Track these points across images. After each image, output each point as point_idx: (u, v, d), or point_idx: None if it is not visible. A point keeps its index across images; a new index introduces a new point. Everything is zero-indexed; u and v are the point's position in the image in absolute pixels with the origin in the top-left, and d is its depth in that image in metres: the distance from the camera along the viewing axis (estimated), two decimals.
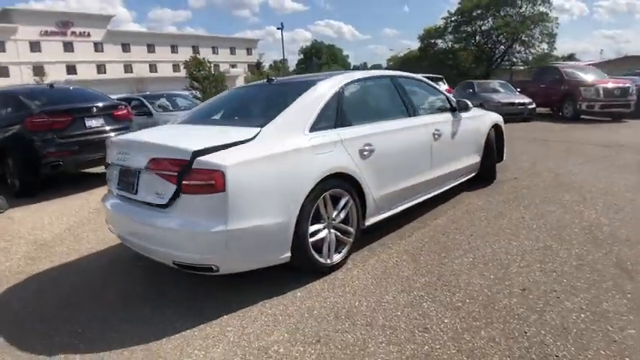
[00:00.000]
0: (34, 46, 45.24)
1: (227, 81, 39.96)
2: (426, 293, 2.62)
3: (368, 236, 3.48)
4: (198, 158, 2.44)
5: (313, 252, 2.83)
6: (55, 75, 42.60)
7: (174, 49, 58.33)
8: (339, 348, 2.15)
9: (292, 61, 79.93)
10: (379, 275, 2.91)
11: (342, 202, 3.02)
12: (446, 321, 2.31)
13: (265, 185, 2.57)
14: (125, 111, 6.73)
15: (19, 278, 3.27)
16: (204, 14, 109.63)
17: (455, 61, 45.67)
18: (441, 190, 4.24)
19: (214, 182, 2.40)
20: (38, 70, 43.18)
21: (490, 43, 45.09)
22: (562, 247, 3.15)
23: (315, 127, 2.94)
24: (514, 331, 2.17)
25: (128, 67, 53.39)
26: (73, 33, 48.74)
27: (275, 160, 2.63)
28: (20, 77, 40.79)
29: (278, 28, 45.02)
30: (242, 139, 2.63)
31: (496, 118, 5.27)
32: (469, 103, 4.57)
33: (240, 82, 51.51)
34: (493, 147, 4.98)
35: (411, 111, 3.86)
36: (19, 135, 5.76)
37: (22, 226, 4.59)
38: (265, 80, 3.75)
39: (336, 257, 3.02)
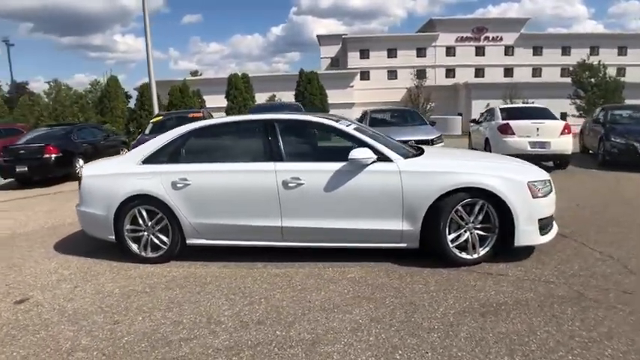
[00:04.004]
0: (449, 51, 52.58)
1: (630, 89, 31.46)
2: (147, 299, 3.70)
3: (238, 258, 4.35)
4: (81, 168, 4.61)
5: (131, 243, 4.39)
6: (463, 77, 47.98)
7: (593, 50, 49.73)
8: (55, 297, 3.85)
9: None
10: (155, 275, 4.08)
11: (157, 217, 4.33)
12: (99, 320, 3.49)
13: (98, 190, 4.45)
14: None
15: None
16: None
17: None
18: (327, 245, 4.18)
19: (79, 183, 4.50)
20: (449, 72, 50.39)
21: None
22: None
23: (149, 161, 4.43)
24: None
25: (537, 71, 52.43)
26: (486, 38, 52.86)
27: (107, 177, 4.48)
28: (434, 79, 48.73)
29: None
30: (109, 163, 4.59)
31: (476, 180, 3.82)
32: (368, 152, 3.91)
33: None
34: (440, 218, 3.84)
35: (266, 156, 4.15)
36: None
37: None
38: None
39: (152, 254, 4.40)
